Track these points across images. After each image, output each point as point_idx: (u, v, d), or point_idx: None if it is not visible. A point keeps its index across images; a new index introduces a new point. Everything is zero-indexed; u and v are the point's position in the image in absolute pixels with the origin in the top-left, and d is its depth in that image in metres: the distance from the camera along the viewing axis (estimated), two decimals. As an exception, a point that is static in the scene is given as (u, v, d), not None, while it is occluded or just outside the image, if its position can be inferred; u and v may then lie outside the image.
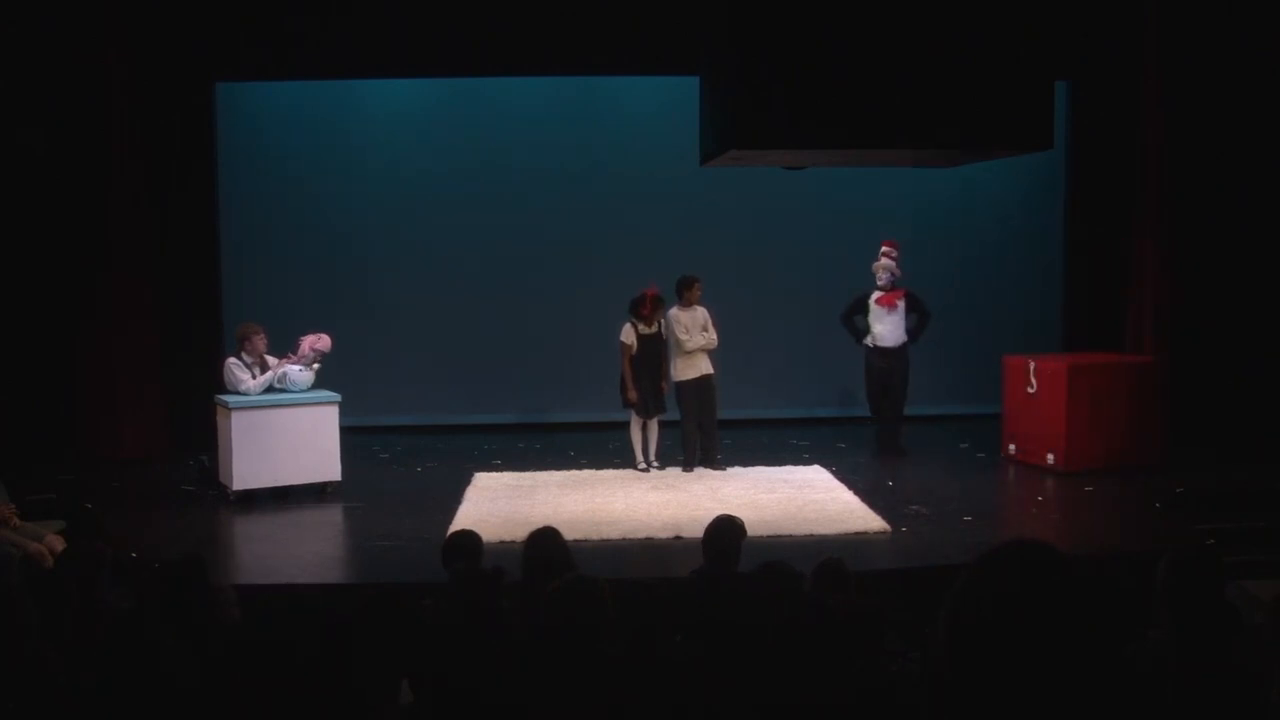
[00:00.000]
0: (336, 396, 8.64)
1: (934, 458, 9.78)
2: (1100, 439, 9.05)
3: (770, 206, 11.38)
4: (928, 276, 10.43)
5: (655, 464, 9.32)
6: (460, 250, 11.42)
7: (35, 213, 9.74)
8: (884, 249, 9.87)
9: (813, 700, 2.60)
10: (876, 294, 9.82)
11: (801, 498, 8.30)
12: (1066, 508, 8.16)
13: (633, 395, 9.13)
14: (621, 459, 9.59)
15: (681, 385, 9.22)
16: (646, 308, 9.11)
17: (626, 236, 11.36)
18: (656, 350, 9.22)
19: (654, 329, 9.19)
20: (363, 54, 10.24)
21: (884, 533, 7.39)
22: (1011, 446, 9.62)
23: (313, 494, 8.47)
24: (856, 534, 7.36)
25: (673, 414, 9.41)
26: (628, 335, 9.16)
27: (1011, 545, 1.41)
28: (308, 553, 7.12)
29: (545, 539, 4.69)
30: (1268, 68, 9.84)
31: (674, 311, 9.23)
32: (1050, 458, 9.11)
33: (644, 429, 9.35)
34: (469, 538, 5.09)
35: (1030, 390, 9.37)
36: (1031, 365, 9.41)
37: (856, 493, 8.39)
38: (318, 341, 8.66)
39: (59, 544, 6.05)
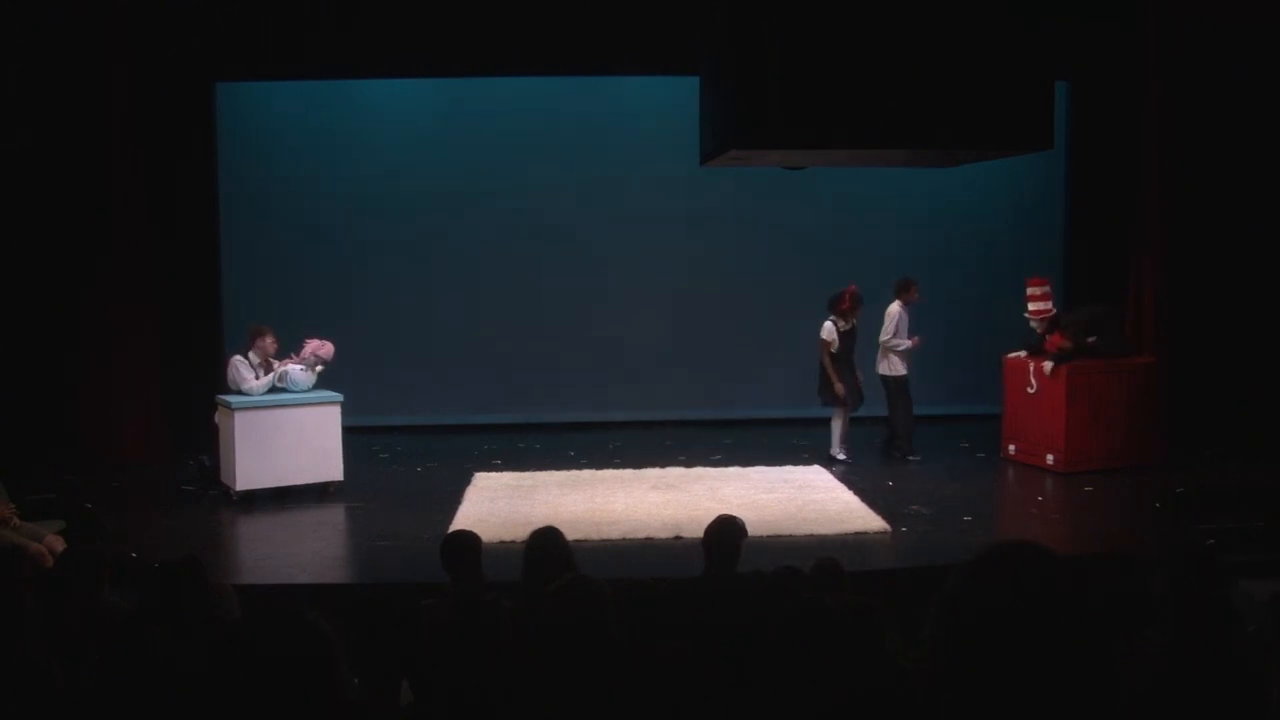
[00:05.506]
0: (339, 397, 8.64)
1: (934, 458, 9.78)
2: (1100, 439, 9.06)
3: (771, 206, 11.38)
4: (928, 276, 10.42)
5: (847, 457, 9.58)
6: (460, 250, 11.42)
7: (35, 213, 9.73)
8: (1030, 290, 9.67)
9: (813, 700, 2.59)
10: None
11: (801, 498, 8.30)
12: (1066, 508, 8.16)
13: (840, 388, 9.39)
14: (621, 459, 9.59)
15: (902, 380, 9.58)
16: (845, 303, 9.37)
17: (626, 236, 11.36)
18: (853, 346, 9.52)
19: (850, 325, 9.43)
20: (362, 54, 10.24)
21: (884, 533, 7.39)
22: (1011, 447, 9.62)
23: (315, 494, 8.47)
24: (856, 534, 7.36)
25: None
26: (829, 333, 9.40)
27: (1003, 546, 1.41)
28: (307, 552, 7.12)
29: (546, 539, 4.68)
30: (1268, 67, 9.83)
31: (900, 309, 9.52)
32: (1050, 458, 9.12)
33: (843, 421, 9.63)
34: (467, 537, 5.09)
35: (1030, 390, 9.38)
36: (1031, 365, 9.41)
37: (856, 493, 8.40)
38: (321, 348, 8.66)
39: (59, 544, 6.06)
